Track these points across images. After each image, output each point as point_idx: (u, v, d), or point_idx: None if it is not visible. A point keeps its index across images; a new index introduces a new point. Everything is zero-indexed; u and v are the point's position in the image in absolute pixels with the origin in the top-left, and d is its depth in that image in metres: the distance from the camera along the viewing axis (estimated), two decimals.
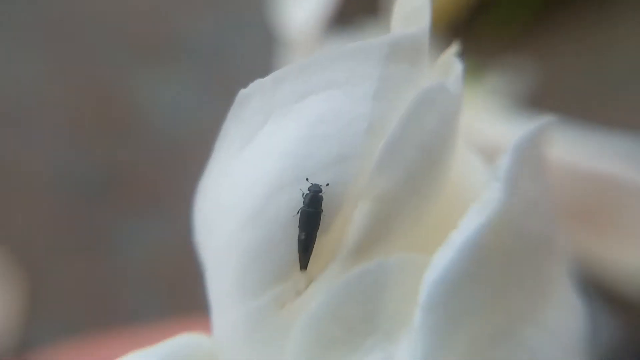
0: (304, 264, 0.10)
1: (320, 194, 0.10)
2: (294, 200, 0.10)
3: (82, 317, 0.26)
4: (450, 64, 0.11)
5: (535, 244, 0.11)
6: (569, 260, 0.12)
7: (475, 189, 0.11)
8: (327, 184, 0.10)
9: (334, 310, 0.10)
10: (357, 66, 0.11)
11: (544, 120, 0.11)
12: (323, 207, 0.10)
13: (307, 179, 0.10)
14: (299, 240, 0.10)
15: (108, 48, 0.31)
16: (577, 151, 0.23)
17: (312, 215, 0.10)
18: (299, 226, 0.10)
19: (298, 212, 0.10)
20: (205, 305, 0.11)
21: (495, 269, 0.10)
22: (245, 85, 0.11)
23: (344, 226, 0.10)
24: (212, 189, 0.11)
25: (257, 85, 0.11)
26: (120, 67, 0.30)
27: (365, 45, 0.11)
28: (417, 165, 0.11)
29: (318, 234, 0.10)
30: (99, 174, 0.28)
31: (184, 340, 0.11)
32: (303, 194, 0.10)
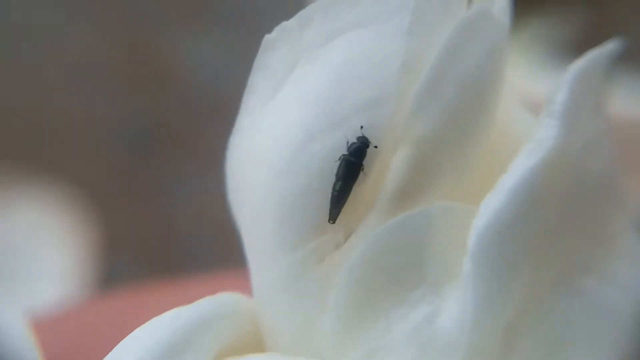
0: (334, 215, 0.10)
1: (367, 148, 0.10)
2: (328, 149, 0.10)
3: (145, 252, 0.30)
4: None
5: (596, 187, 0.10)
6: (635, 210, 0.11)
7: (523, 136, 0.10)
8: (375, 147, 0.10)
9: (376, 260, 0.10)
10: (388, 0, 0.10)
11: (605, 48, 0.10)
12: (365, 161, 0.10)
13: (361, 127, 0.10)
14: (334, 189, 0.10)
15: (152, 11, 0.33)
16: (627, 100, 0.23)
17: (353, 165, 0.10)
18: (337, 174, 0.10)
19: (339, 159, 0.10)
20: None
21: (552, 214, 0.10)
22: None
23: (382, 174, 0.10)
24: (243, 144, 0.11)
25: (282, 29, 0.10)
26: (163, 29, 0.33)
27: None
28: (460, 104, 0.10)
29: (354, 186, 0.10)
30: (149, 128, 0.31)
31: (223, 299, 0.10)
32: (348, 142, 0.10)
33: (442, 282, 0.09)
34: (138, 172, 0.31)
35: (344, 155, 0.10)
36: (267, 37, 0.10)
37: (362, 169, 0.10)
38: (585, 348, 0.10)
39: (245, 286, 0.11)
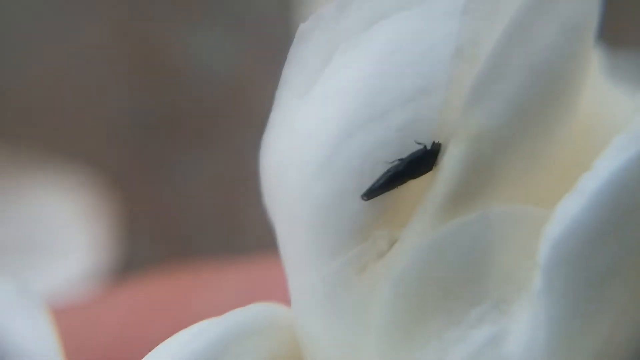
0: (371, 195, 0.08)
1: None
2: (368, 146, 0.09)
3: (160, 229, 0.32)
4: None
5: None
6: None
7: (618, 125, 0.08)
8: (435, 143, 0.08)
9: (425, 272, 0.08)
10: None
11: None
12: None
13: None
14: (391, 168, 0.08)
15: (159, 5, 0.36)
16: None
17: (427, 159, 0.08)
18: (405, 158, 0.08)
19: (421, 144, 0.08)
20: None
21: None
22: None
23: (432, 174, 0.08)
24: (276, 143, 0.10)
25: (318, 17, 0.09)
26: (166, 23, 0.35)
27: None
28: (529, 94, 0.08)
29: (403, 184, 0.08)
30: (158, 114, 0.34)
31: (256, 311, 0.10)
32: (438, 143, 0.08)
33: (508, 299, 0.08)
34: (149, 155, 0.34)
35: (426, 146, 0.08)
36: (302, 26, 0.09)
37: (427, 171, 0.08)
38: None
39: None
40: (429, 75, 0.08)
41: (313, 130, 0.09)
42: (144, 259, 0.31)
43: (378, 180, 0.08)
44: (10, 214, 0.32)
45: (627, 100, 0.09)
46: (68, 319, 0.16)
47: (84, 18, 0.36)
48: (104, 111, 0.34)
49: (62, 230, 0.31)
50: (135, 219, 0.32)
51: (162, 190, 0.33)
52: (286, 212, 0.09)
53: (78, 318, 0.16)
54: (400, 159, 0.08)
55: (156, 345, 0.09)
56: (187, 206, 0.33)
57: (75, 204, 0.32)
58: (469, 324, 0.08)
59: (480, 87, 0.08)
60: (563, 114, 0.08)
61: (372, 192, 0.08)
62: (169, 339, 0.09)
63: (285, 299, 0.10)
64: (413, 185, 0.09)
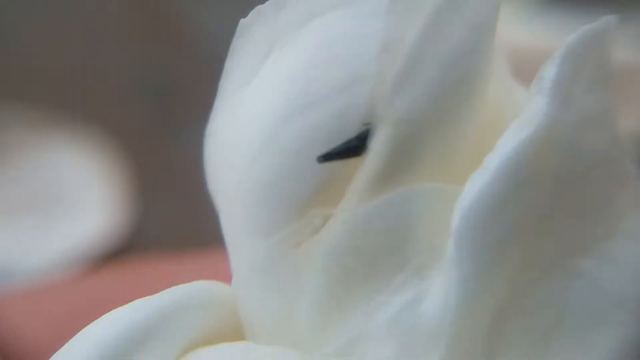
0: (327, 158, 0.09)
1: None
2: (305, 129, 0.09)
3: (169, 189, 0.34)
4: None
5: (594, 166, 0.10)
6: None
7: (515, 114, 0.10)
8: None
9: (354, 244, 0.09)
10: None
11: (599, 23, 0.10)
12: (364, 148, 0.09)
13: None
14: (348, 140, 0.09)
15: None
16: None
17: (358, 145, 0.09)
18: (361, 135, 0.09)
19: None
20: None
21: (543, 193, 0.09)
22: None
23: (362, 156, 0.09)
24: (220, 130, 0.11)
25: (258, 13, 0.10)
26: None
27: None
28: (443, 84, 0.09)
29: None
30: (167, 81, 0.36)
31: (195, 288, 0.10)
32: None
33: (427, 266, 0.09)
34: (160, 120, 0.35)
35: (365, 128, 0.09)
36: (243, 21, 0.10)
37: (358, 154, 0.09)
38: (583, 331, 0.09)
39: None
40: (359, 66, 0.09)
41: (255, 115, 0.10)
42: (154, 221, 0.32)
43: (335, 147, 0.09)
44: (28, 173, 0.32)
45: (523, 92, 0.10)
46: (13, 308, 0.16)
47: None
48: (118, 77, 0.35)
49: (78, 190, 0.32)
50: (146, 182, 0.32)
51: (172, 154, 0.33)
52: (228, 194, 0.10)
53: (22, 307, 0.16)
54: (358, 137, 0.09)
55: None
56: (196, 170, 0.33)
57: (90, 166, 0.33)
58: (392, 289, 0.09)
59: (400, 78, 0.09)
60: (472, 101, 0.10)
61: (328, 156, 0.09)
62: (96, 321, 0.09)
63: None
64: (345, 168, 0.09)
